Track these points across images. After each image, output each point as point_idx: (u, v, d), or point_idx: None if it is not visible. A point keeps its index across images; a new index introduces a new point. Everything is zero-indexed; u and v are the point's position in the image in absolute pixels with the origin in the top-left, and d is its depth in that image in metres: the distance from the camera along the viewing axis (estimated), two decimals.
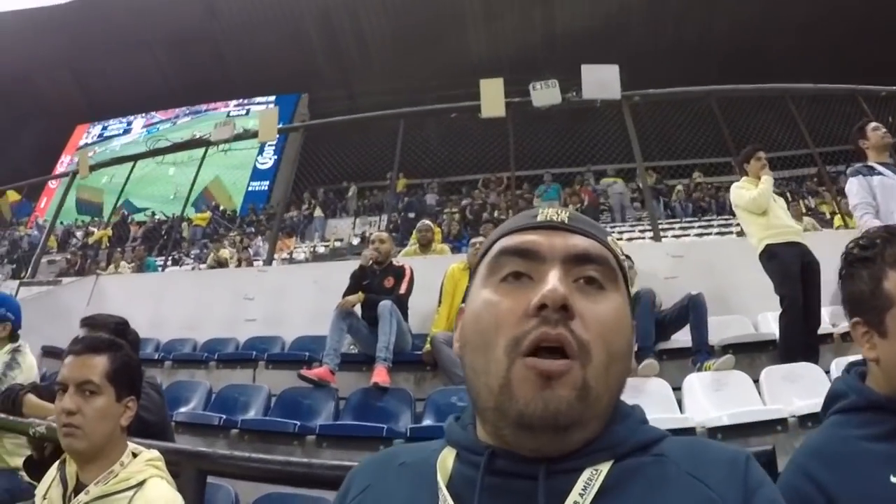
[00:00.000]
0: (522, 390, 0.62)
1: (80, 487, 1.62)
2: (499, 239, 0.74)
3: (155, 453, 1.72)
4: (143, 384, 2.47)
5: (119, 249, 11.72)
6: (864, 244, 1.16)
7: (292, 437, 3.53)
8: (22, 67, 22.37)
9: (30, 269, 8.77)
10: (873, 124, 4.19)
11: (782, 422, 3.18)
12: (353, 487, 0.75)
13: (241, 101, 22.60)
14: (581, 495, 0.62)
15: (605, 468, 0.64)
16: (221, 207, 18.49)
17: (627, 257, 4.52)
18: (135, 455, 1.69)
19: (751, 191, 4.40)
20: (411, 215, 11.57)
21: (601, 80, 6.51)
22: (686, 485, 0.63)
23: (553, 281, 0.65)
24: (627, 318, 0.70)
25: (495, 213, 11.73)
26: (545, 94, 6.70)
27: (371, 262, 4.82)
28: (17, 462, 2.55)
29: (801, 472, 1.05)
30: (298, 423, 3.57)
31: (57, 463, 1.73)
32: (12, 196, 13.10)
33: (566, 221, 0.72)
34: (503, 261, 0.70)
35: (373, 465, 0.77)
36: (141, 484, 1.59)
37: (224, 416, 3.79)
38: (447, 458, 0.70)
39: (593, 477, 0.63)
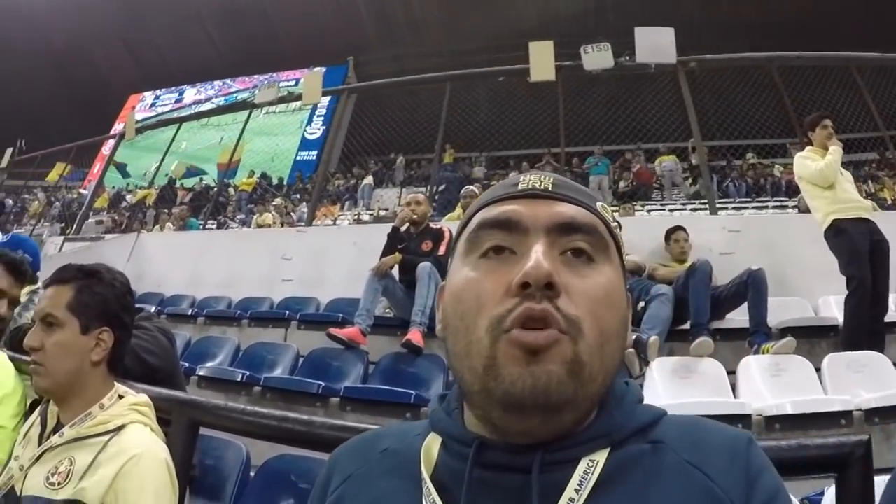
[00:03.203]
0: (508, 368, 0.57)
1: (58, 428, 1.44)
2: (478, 210, 0.68)
3: (143, 398, 1.52)
4: (152, 328, 2.33)
5: (165, 210, 11.83)
6: None
7: (316, 398, 3.34)
8: (76, 37, 23.18)
9: (75, 226, 8.89)
10: None
11: (846, 415, 2.82)
12: (334, 476, 0.70)
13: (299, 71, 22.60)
14: (577, 491, 0.57)
15: (601, 458, 0.59)
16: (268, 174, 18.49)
17: (617, 224, 4.19)
18: (121, 398, 1.50)
19: (817, 161, 4.03)
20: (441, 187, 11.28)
21: (656, 44, 6.19)
22: (685, 475, 0.58)
23: (536, 256, 0.59)
24: (620, 293, 0.64)
25: None
26: (597, 57, 6.41)
27: (406, 223, 4.61)
28: None
29: None
30: (323, 383, 3.38)
31: (42, 402, 1.57)
32: (58, 169, 13.41)
33: (550, 189, 0.66)
34: (483, 234, 0.64)
35: (354, 452, 0.72)
36: (119, 429, 1.39)
37: (247, 373, 3.64)
38: (432, 447, 0.65)
39: (590, 469, 0.58)
